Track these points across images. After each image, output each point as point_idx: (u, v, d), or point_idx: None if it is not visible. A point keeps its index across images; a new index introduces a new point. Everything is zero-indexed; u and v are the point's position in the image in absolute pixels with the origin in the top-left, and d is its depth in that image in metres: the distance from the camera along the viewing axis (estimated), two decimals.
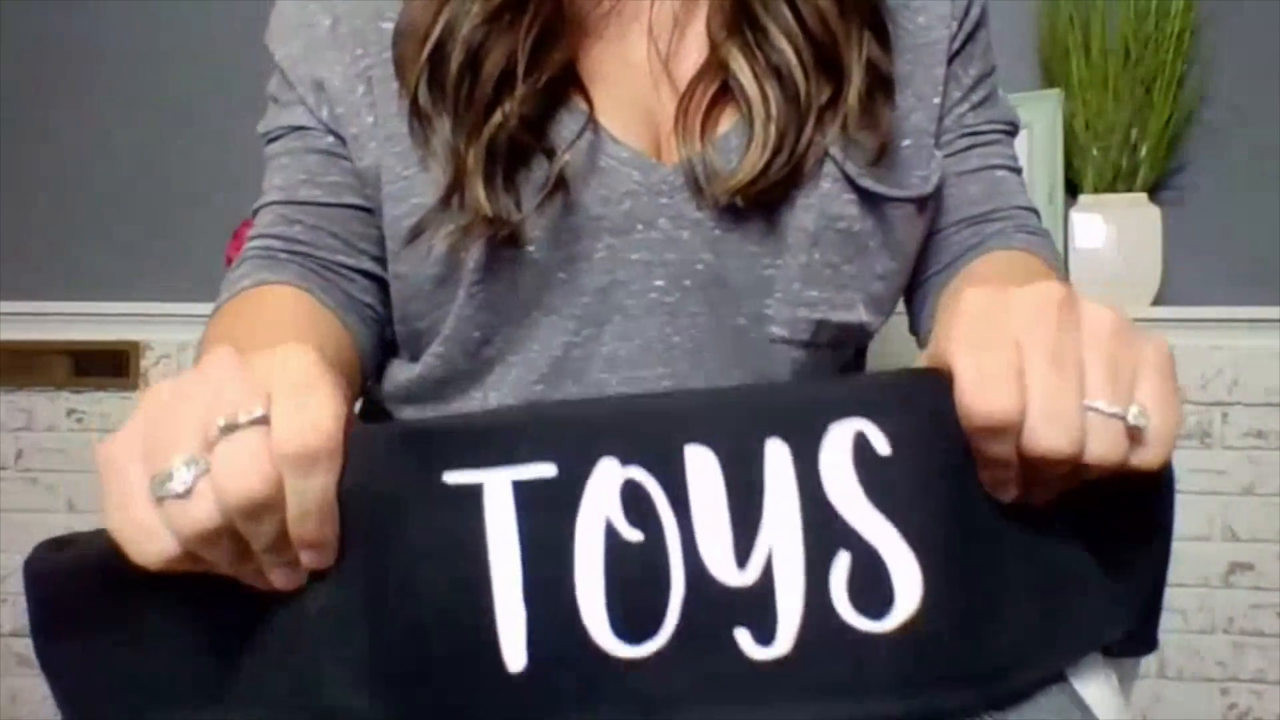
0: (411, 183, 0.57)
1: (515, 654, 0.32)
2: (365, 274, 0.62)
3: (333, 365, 0.39)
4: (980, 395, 0.34)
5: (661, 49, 0.58)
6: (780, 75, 0.55)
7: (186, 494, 0.33)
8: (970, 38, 0.63)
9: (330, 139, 0.60)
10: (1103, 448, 0.34)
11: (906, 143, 0.59)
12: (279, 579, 0.36)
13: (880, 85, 0.57)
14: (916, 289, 0.66)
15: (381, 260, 0.61)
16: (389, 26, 0.58)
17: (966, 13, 0.63)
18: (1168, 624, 1.55)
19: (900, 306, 0.68)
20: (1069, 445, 0.34)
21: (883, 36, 0.57)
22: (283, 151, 0.62)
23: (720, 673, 0.32)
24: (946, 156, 0.62)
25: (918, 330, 0.68)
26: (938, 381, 0.36)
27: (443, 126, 0.54)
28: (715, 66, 0.56)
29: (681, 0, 0.59)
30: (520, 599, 0.32)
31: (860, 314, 0.59)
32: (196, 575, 0.36)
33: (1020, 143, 1.54)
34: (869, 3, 0.57)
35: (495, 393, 0.59)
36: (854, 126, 0.55)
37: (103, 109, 1.71)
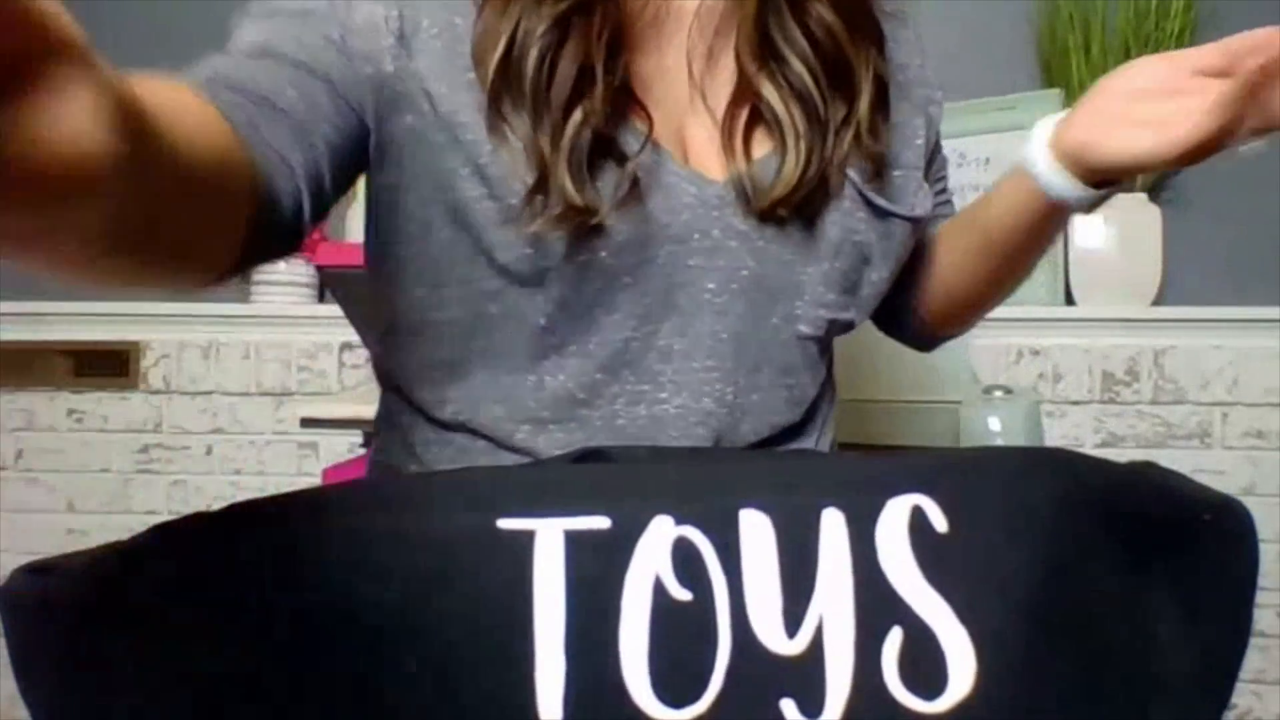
0: (510, 166, 0.55)
1: (551, 706, 0.31)
2: (322, 138, 0.54)
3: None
4: None
5: (697, 70, 0.64)
6: (802, 98, 0.62)
7: None
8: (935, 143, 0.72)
9: (354, 43, 0.55)
10: None
11: (898, 173, 0.66)
12: None
13: (883, 94, 0.64)
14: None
15: (333, 141, 0.55)
16: (461, 22, 0.57)
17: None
18: None
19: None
20: None
21: (883, 49, 0.64)
22: (265, 15, 0.57)
23: None
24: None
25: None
26: (1007, 456, 0.36)
27: (521, 124, 0.56)
28: (747, 93, 0.62)
29: (715, 25, 0.64)
30: (561, 649, 0.31)
31: (853, 314, 0.67)
32: (184, 622, 0.33)
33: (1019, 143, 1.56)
34: (872, 17, 0.63)
35: (550, 378, 0.62)
36: (865, 136, 0.62)
37: None
